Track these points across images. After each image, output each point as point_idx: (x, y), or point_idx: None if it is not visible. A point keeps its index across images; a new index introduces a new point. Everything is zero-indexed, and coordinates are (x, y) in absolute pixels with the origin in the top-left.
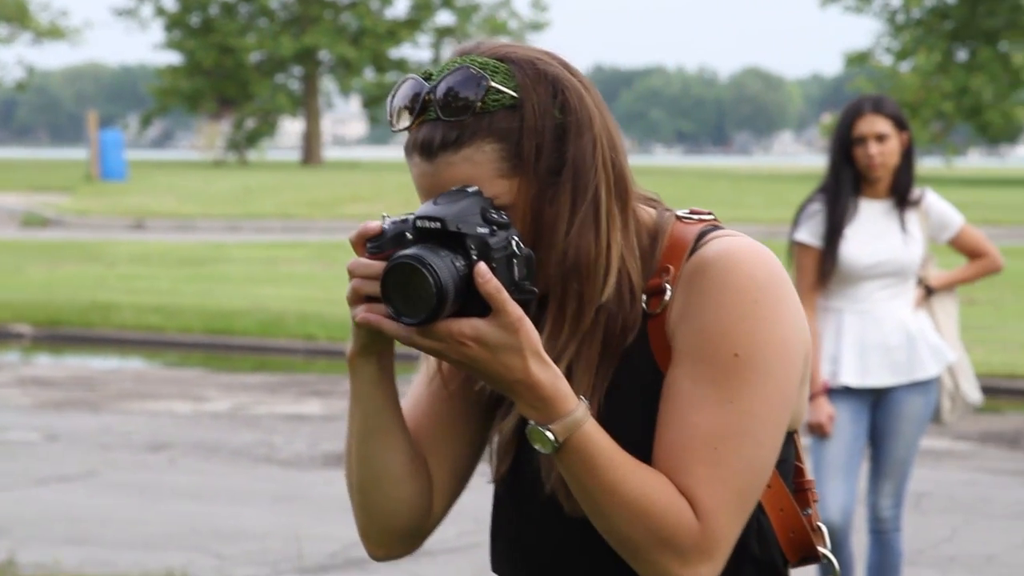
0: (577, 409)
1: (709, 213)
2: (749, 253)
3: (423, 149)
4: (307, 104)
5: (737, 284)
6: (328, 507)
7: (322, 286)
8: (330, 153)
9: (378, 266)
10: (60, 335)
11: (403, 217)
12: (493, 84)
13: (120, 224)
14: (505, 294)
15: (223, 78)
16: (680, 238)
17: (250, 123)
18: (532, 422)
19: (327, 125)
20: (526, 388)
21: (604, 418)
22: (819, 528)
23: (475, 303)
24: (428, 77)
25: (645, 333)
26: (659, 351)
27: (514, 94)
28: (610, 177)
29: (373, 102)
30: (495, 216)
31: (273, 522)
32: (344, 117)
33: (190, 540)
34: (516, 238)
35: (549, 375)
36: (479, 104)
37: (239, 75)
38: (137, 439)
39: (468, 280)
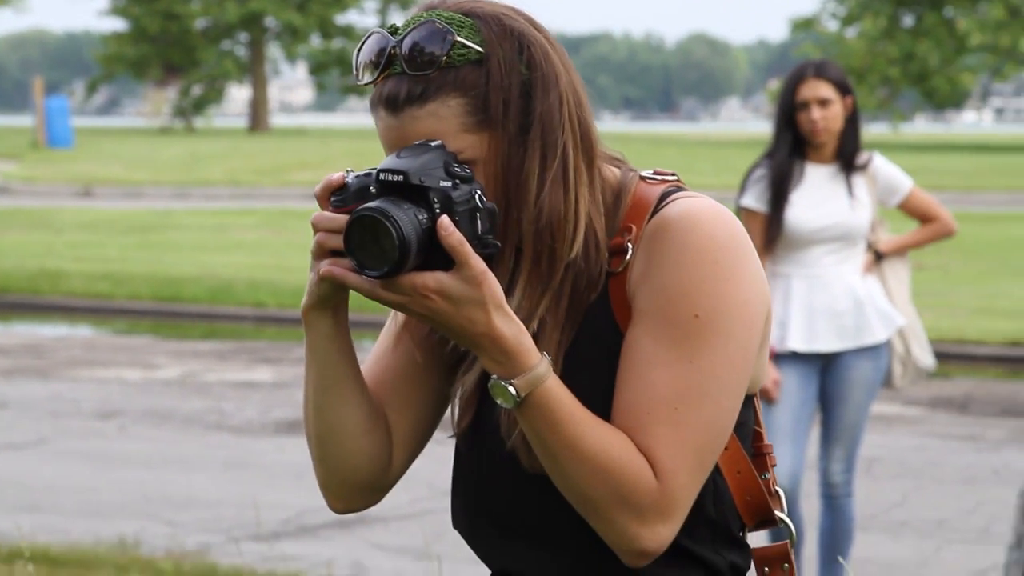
0: (540, 364)
1: (672, 174)
2: (710, 214)
3: (388, 103)
4: (253, 71)
5: (698, 244)
6: (280, 474)
7: (272, 253)
8: (277, 120)
9: (341, 219)
10: (8, 302)
11: (367, 171)
12: (459, 39)
13: (67, 191)
14: (468, 247)
15: (169, 44)
16: (643, 198)
17: (196, 90)
18: (494, 376)
19: (274, 92)
20: (489, 342)
21: (565, 375)
22: (776, 492)
23: (438, 257)
24: (394, 32)
25: (606, 292)
26: (619, 310)
27: (480, 49)
28: (577, 134)
29: (320, 68)
30: (458, 170)
31: (225, 489)
32: (291, 84)
33: (142, 508)
34: (479, 192)
35: (513, 329)
36: (444, 59)
37: (185, 41)
38: (87, 406)
39: (431, 233)
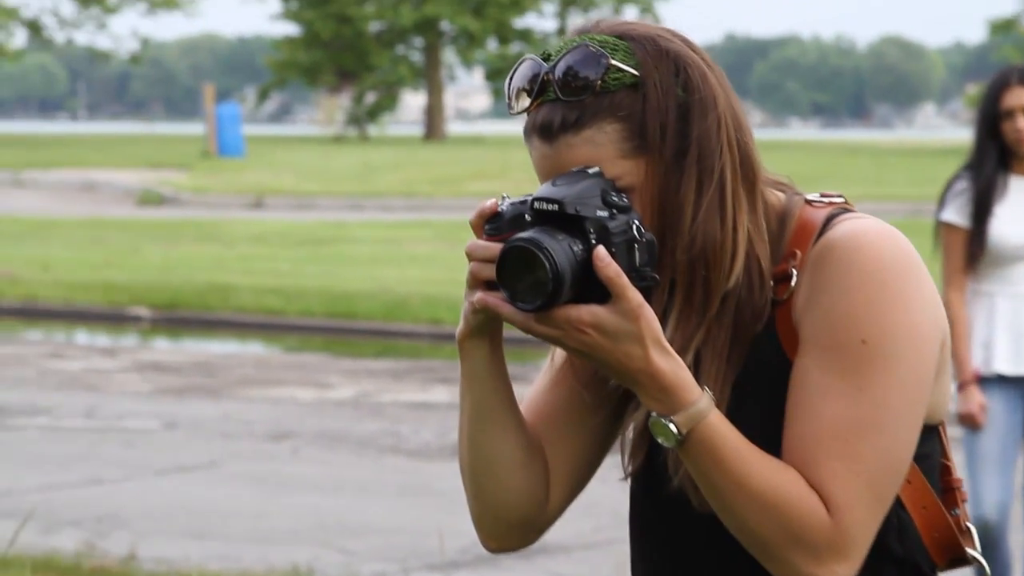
0: (700, 400)
1: (839, 196)
2: (876, 234)
3: (542, 131)
4: (429, 76)
5: (863, 266)
6: (458, 500)
7: (447, 267)
8: (453, 128)
9: (495, 248)
10: (178, 318)
11: (522, 198)
12: (613, 62)
13: (238, 202)
14: (625, 279)
15: (342, 50)
16: (808, 222)
17: (370, 96)
18: (654, 414)
19: (450, 98)
20: (647, 377)
21: (731, 408)
22: (968, 529)
23: (594, 289)
24: (547, 58)
25: (772, 321)
26: (786, 339)
27: (635, 72)
28: (735, 158)
29: (496, 75)
30: (615, 199)
31: (401, 516)
32: (467, 90)
33: (315, 534)
34: (637, 222)
35: (671, 364)
36: (599, 83)
37: (358, 46)
38: (259, 428)
39: (587, 265)
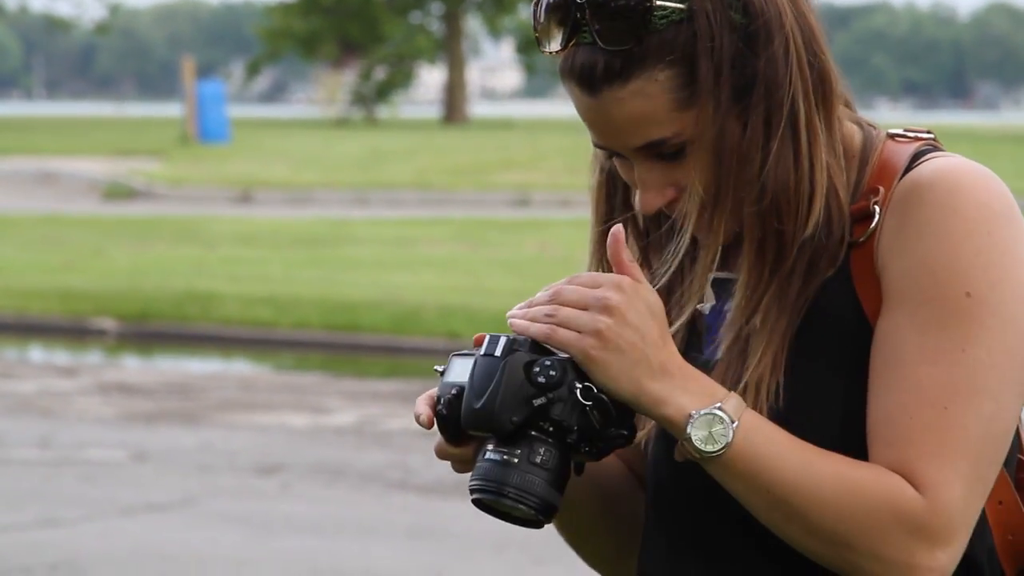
0: (730, 394)
1: (928, 132)
2: (978, 175)
3: (583, 81)
4: (449, 49)
5: (967, 212)
6: (475, 543)
7: (467, 271)
8: (477, 109)
9: (465, 453)
10: (150, 332)
11: (457, 387)
12: (657, 2)
13: (222, 196)
14: (635, 266)
15: (346, 17)
16: (892, 156)
17: (380, 72)
18: (694, 412)
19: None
20: (675, 365)
21: (791, 365)
22: None
23: (612, 420)
24: None
25: (847, 264)
26: (863, 286)
27: (682, 5)
28: (808, 81)
29: (529, 46)
30: (539, 375)
31: (410, 562)
32: (494, 65)
33: None
34: (577, 384)
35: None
36: (643, 25)
37: (366, 13)
38: (243, 459)
39: (564, 459)
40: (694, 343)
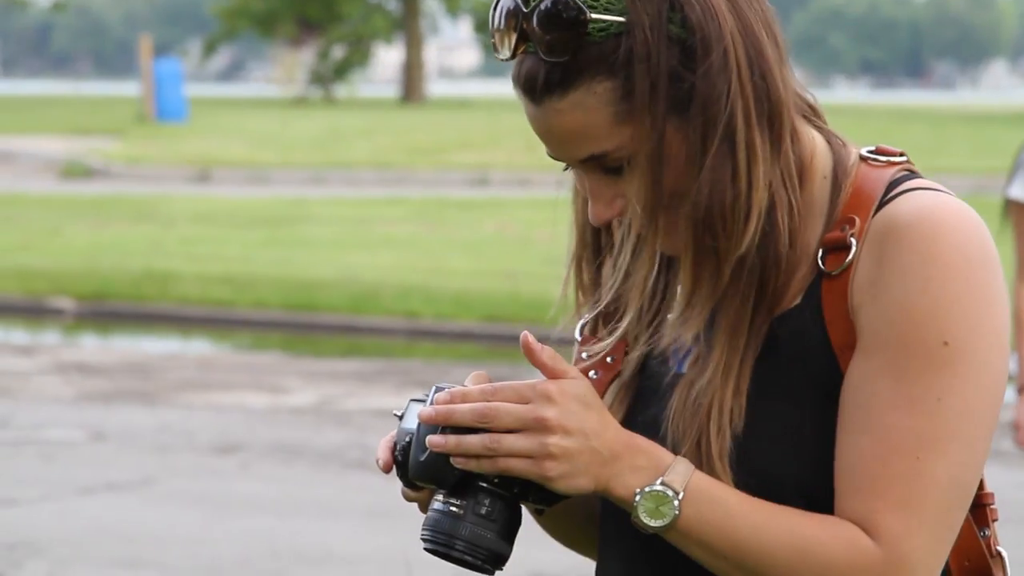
0: (678, 459)
1: (900, 154)
2: (957, 219)
3: (527, 90)
4: (407, 28)
5: (946, 259)
6: None
7: (426, 251)
8: (435, 88)
9: (425, 497)
10: (107, 311)
11: (410, 435)
12: (592, 16)
13: (179, 175)
14: (563, 362)
15: None
16: (866, 184)
17: (338, 51)
18: (640, 490)
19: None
20: (623, 445)
21: (751, 401)
22: (999, 554)
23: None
24: None
25: (818, 297)
26: (833, 319)
27: (621, 19)
28: (749, 98)
29: (487, 26)
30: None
31: (368, 542)
32: (452, 44)
33: (267, 564)
34: None
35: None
36: (580, 37)
37: None
38: (201, 439)
39: (513, 512)
40: (663, 357)
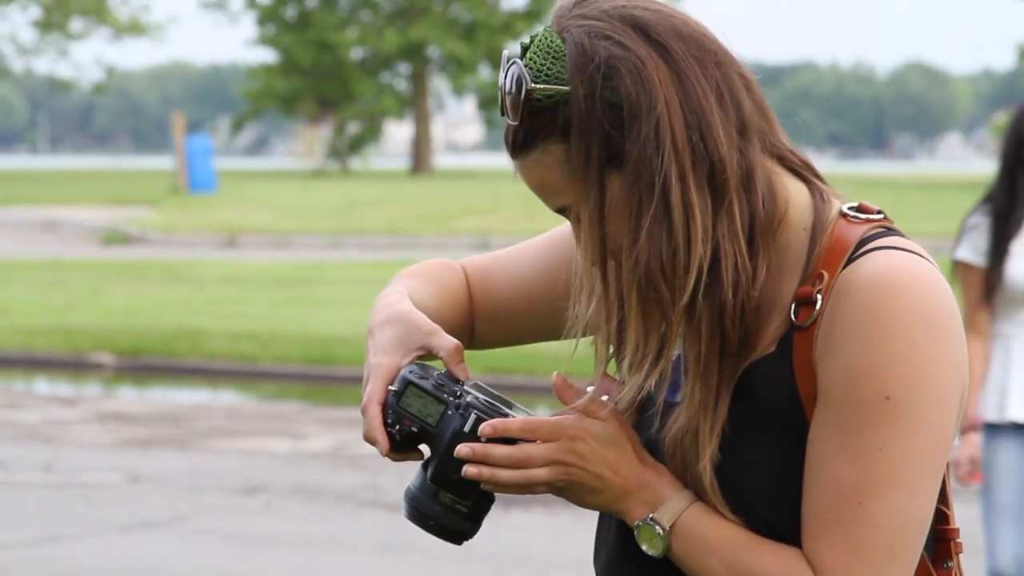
0: (680, 491)
1: (879, 212)
2: (910, 281)
3: (506, 147)
4: (416, 106)
5: (891, 319)
6: (440, 557)
7: None
8: (442, 160)
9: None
10: (143, 365)
11: (418, 425)
12: (536, 87)
13: (209, 241)
14: (523, 423)
15: (322, 77)
16: (840, 240)
17: (353, 127)
18: (639, 522)
19: (438, 129)
20: (636, 484)
21: (726, 445)
22: None
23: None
24: (523, 54)
25: (790, 347)
26: (801, 370)
27: (564, 88)
28: (685, 161)
29: (489, 103)
30: (448, 394)
31: (380, 572)
32: (457, 120)
33: None
34: (463, 402)
35: (652, 463)
36: (527, 104)
37: (340, 74)
38: (229, 481)
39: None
40: (660, 386)
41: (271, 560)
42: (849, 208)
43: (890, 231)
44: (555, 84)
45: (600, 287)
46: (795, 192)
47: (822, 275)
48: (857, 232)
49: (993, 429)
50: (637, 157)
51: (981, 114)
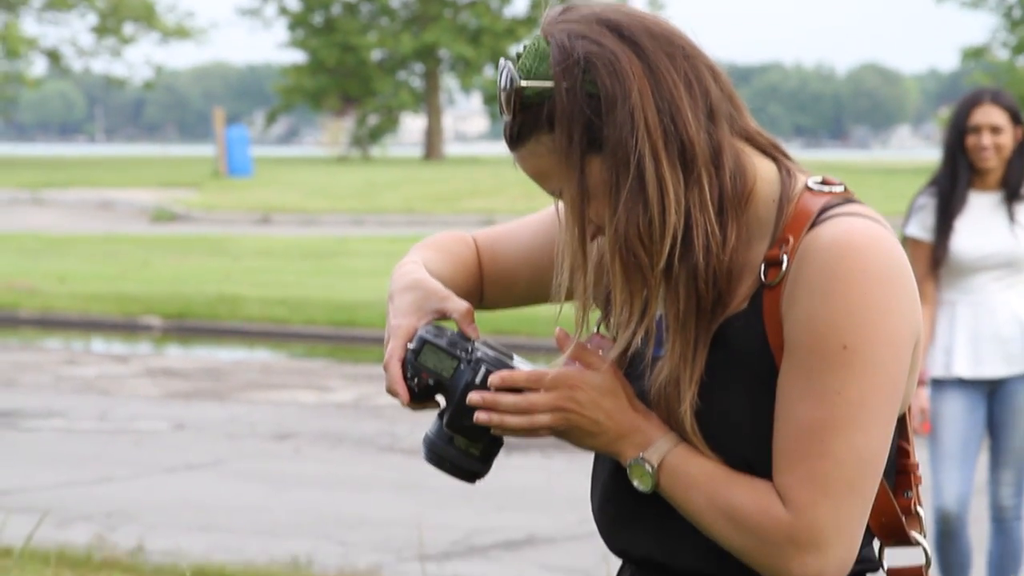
0: (668, 433)
1: (840, 184)
2: (864, 241)
3: (505, 140)
4: (428, 101)
5: (847, 275)
6: (449, 496)
7: None
8: (451, 149)
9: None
10: (188, 327)
11: (434, 378)
12: (523, 84)
13: (246, 219)
14: (529, 373)
15: (346, 76)
16: (805, 208)
17: (373, 120)
18: (632, 459)
19: (449, 121)
20: (630, 428)
21: (711, 388)
22: (917, 513)
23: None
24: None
25: (760, 304)
26: (771, 324)
27: (549, 84)
28: (658, 141)
29: (493, 99)
30: (461, 353)
31: (396, 510)
32: (465, 113)
33: (315, 527)
34: (473, 357)
35: (643, 409)
36: (518, 100)
37: (361, 73)
38: (263, 429)
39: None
40: (647, 342)
41: (300, 497)
42: (813, 181)
43: (849, 200)
44: (541, 81)
45: (580, 259)
46: (763, 168)
47: (788, 239)
48: (820, 202)
49: (940, 384)
50: (615, 140)
51: (928, 109)
